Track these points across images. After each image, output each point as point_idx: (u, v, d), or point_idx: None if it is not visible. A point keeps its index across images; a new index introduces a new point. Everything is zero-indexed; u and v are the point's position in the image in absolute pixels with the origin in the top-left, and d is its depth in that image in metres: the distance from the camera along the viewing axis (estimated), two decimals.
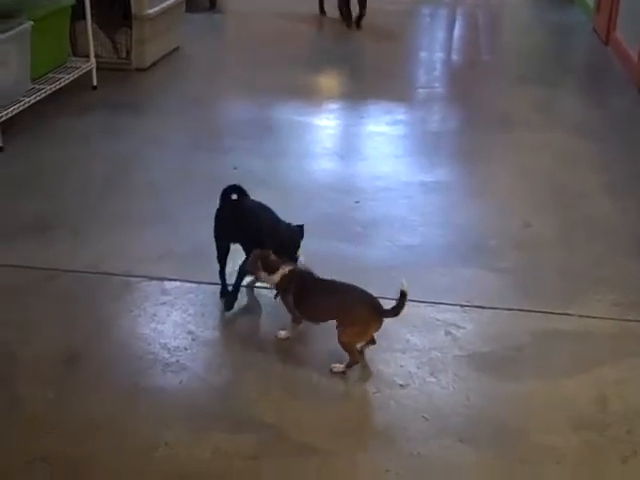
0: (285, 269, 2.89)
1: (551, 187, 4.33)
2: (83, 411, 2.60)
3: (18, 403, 2.62)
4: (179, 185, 4.22)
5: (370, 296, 2.81)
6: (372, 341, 2.88)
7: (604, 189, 4.28)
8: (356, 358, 2.81)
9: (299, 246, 3.12)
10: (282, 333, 2.96)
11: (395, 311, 2.76)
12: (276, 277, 2.90)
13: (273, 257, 2.91)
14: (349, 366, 2.81)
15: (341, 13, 6.99)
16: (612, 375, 2.82)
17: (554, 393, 2.74)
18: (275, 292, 2.96)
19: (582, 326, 3.10)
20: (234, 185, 3.19)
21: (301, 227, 3.13)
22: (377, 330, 2.81)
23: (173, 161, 4.52)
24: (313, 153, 4.72)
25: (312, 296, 2.87)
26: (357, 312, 2.79)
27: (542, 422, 2.60)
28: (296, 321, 2.95)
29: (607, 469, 2.42)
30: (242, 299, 3.19)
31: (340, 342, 2.79)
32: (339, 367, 2.81)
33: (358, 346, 2.85)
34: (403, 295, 2.74)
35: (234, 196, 3.19)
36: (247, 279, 3.19)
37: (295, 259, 3.06)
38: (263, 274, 2.92)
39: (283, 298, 2.93)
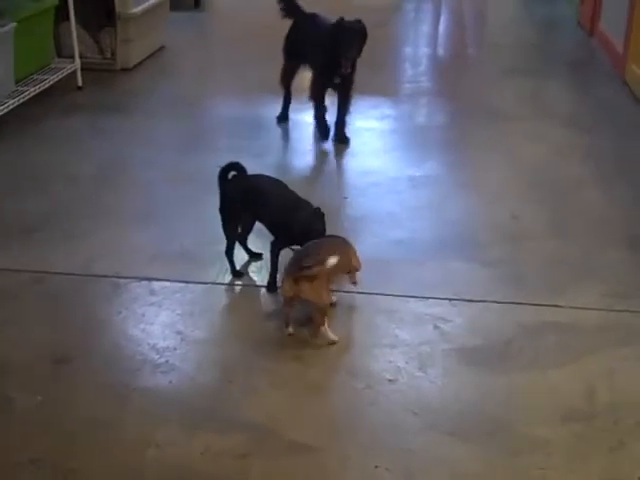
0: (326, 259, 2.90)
1: (539, 178, 4.33)
2: (73, 413, 2.59)
3: (7, 406, 2.61)
4: (167, 185, 4.22)
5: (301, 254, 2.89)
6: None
7: (593, 180, 4.29)
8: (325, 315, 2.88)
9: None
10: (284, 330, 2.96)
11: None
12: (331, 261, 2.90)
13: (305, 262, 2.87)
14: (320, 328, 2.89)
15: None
16: (600, 366, 2.83)
17: (543, 385, 2.74)
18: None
19: (571, 317, 3.10)
20: (232, 163, 3.21)
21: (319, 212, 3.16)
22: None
23: (160, 161, 4.51)
24: (301, 150, 4.72)
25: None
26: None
27: (531, 414, 2.61)
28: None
29: (595, 459, 2.43)
30: (229, 297, 3.19)
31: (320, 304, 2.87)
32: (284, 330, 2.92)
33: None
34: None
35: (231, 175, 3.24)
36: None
37: None
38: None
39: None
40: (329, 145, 4.63)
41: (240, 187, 3.22)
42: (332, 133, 4.77)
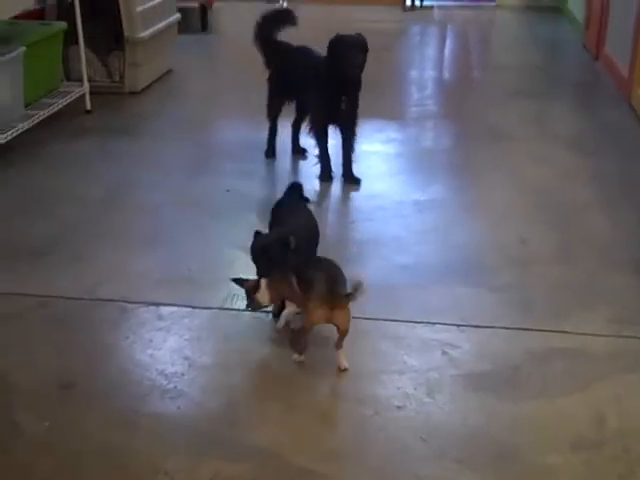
0: (263, 281, 2.95)
1: (545, 201, 4.34)
2: (80, 438, 2.59)
3: (14, 431, 2.61)
4: (174, 208, 4.23)
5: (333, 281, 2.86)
6: (339, 345, 2.92)
7: (599, 203, 4.29)
8: (307, 339, 2.91)
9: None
10: (296, 357, 2.96)
11: (352, 296, 2.81)
12: (263, 289, 2.94)
13: (249, 282, 2.98)
14: (302, 350, 2.93)
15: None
16: (608, 393, 2.82)
17: (551, 412, 2.73)
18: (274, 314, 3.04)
19: (578, 343, 3.10)
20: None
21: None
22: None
23: (168, 184, 4.53)
24: (307, 174, 4.73)
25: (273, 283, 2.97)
26: (313, 294, 2.84)
27: (540, 441, 2.60)
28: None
29: None
30: (236, 322, 3.19)
31: (304, 324, 2.91)
32: (297, 356, 2.93)
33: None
34: (356, 289, 2.79)
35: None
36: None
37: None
38: (257, 296, 2.95)
39: (290, 297, 2.96)
40: (335, 169, 4.63)
41: None
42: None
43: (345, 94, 4.45)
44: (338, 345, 2.91)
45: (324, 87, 4.43)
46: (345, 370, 2.90)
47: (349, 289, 2.82)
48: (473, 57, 7.87)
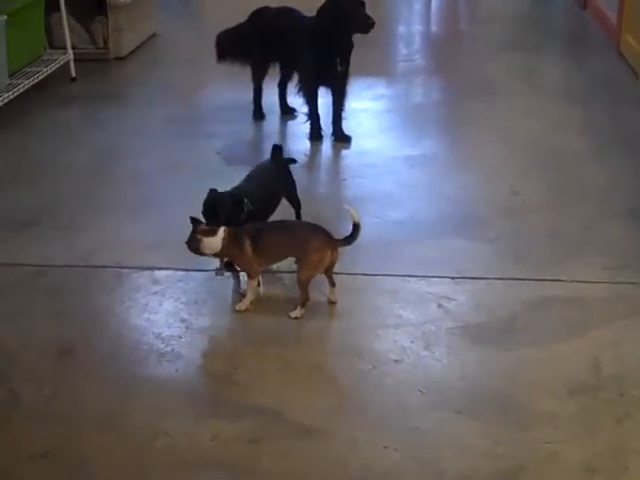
0: (223, 229, 2.95)
1: (537, 153, 4.33)
2: (80, 404, 2.60)
3: (14, 399, 2.62)
4: (164, 173, 4.21)
5: (321, 227, 2.98)
6: (332, 282, 3.00)
7: (591, 152, 4.29)
8: (307, 294, 2.95)
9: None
10: (294, 313, 2.97)
11: (348, 241, 2.94)
12: (218, 239, 2.94)
13: (201, 223, 2.99)
14: (303, 305, 2.95)
15: None
16: (604, 338, 2.84)
17: (549, 359, 2.75)
18: (217, 268, 3.07)
19: (574, 291, 3.11)
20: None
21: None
22: (333, 261, 2.95)
23: (157, 149, 4.50)
24: (297, 133, 4.70)
25: (269, 237, 2.99)
26: (312, 242, 2.92)
27: (538, 389, 2.61)
28: (253, 276, 3.01)
29: (602, 431, 2.44)
30: (231, 284, 3.19)
31: (300, 279, 2.95)
32: (296, 312, 2.95)
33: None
34: (356, 226, 2.91)
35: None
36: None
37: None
38: (205, 241, 2.94)
39: (234, 257, 3.01)
40: (325, 127, 4.60)
41: None
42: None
43: (340, 55, 4.40)
44: (332, 283, 3.02)
45: (317, 48, 4.38)
46: (335, 303, 3.03)
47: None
48: (460, 9, 7.79)
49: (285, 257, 3.08)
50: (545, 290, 3.12)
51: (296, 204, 3.48)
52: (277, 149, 3.49)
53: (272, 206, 3.33)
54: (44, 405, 2.60)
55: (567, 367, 2.70)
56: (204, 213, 3.08)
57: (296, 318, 2.95)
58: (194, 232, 2.96)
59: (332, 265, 2.98)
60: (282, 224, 3.16)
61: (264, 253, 3.00)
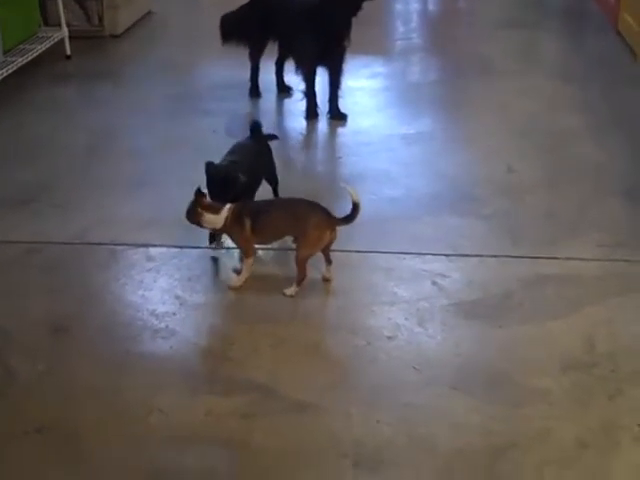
0: (229, 207, 2.96)
1: (534, 131, 4.32)
2: (74, 381, 2.60)
3: (9, 375, 2.62)
4: (160, 151, 4.19)
5: (320, 205, 2.96)
6: (329, 260, 3.00)
7: (587, 131, 4.27)
8: (304, 272, 2.95)
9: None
10: (288, 290, 2.96)
11: (347, 220, 2.92)
12: (221, 216, 2.95)
13: (209, 200, 3.00)
14: (299, 283, 2.94)
15: None
16: (599, 316, 2.84)
17: (543, 336, 2.75)
18: (211, 238, 3.09)
19: (568, 269, 3.11)
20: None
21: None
22: (331, 239, 2.95)
23: (153, 127, 4.48)
24: (293, 111, 4.68)
25: (269, 217, 2.98)
26: (311, 221, 2.91)
27: (532, 365, 2.62)
28: (250, 254, 3.01)
29: (595, 407, 2.45)
30: (225, 261, 3.19)
31: (298, 257, 2.94)
32: (291, 290, 2.95)
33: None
34: (355, 206, 2.89)
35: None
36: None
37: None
38: (207, 216, 2.96)
39: (234, 235, 3.01)
40: (321, 105, 4.58)
41: None
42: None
43: (344, 31, 4.38)
44: (329, 261, 3.02)
45: (318, 27, 4.35)
46: (330, 281, 3.03)
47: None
48: None
49: (284, 236, 3.07)
50: (540, 268, 3.12)
51: (274, 181, 3.47)
52: (256, 125, 3.46)
53: (256, 183, 3.31)
54: (38, 381, 2.61)
55: (561, 344, 2.71)
56: (213, 188, 3.06)
57: (291, 296, 2.95)
58: (197, 205, 2.96)
59: (330, 243, 2.97)
60: (281, 202, 3.14)
61: (263, 232, 2.99)
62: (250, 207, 3.04)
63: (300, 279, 2.95)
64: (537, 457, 2.27)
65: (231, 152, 3.30)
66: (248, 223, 2.95)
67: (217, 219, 2.96)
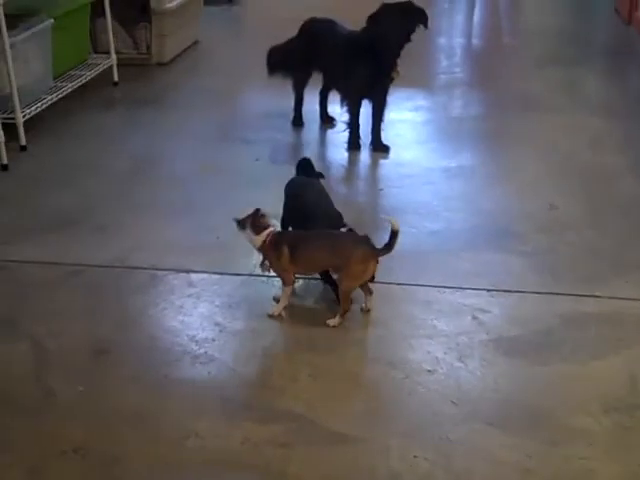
0: (270, 231, 3.00)
1: (577, 169, 4.29)
2: (114, 403, 2.62)
3: (49, 396, 2.65)
4: (203, 178, 4.24)
5: (361, 237, 2.96)
6: (369, 291, 3.00)
7: (631, 169, 4.24)
8: (348, 305, 2.95)
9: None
10: (332, 321, 2.96)
11: (387, 248, 2.91)
12: (260, 238, 2.99)
13: (264, 218, 3.03)
14: (343, 314, 2.94)
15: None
16: None
17: (584, 375, 2.72)
18: (263, 261, 3.08)
19: (610, 308, 3.07)
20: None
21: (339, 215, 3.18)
22: (374, 271, 2.94)
23: (196, 154, 4.53)
24: (336, 142, 4.71)
25: (308, 247, 2.98)
26: (355, 254, 2.90)
27: (572, 404, 2.59)
28: (288, 283, 3.02)
29: (637, 450, 2.41)
30: (266, 289, 3.20)
31: (342, 290, 2.93)
32: (335, 320, 2.94)
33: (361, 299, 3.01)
34: (394, 234, 2.89)
35: None
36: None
37: None
38: (248, 232, 3.01)
39: (271, 262, 3.03)
40: (364, 137, 4.60)
41: None
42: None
43: (389, 67, 4.42)
44: (370, 291, 3.02)
45: (367, 62, 4.39)
46: (369, 311, 3.03)
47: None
48: (503, 23, 7.77)
49: (323, 268, 3.06)
50: (581, 306, 3.09)
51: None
52: (306, 162, 3.46)
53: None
54: (78, 402, 2.63)
55: (603, 384, 2.67)
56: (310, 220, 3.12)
57: (334, 326, 2.94)
58: (248, 218, 3.01)
59: (373, 275, 2.97)
60: (323, 234, 3.09)
61: (301, 262, 3.00)
62: (289, 236, 3.06)
63: (344, 311, 2.95)
64: None
65: (296, 195, 3.29)
66: (286, 251, 2.96)
67: (256, 239, 3.00)
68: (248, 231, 3.01)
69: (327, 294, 3.11)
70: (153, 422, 2.54)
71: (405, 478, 2.31)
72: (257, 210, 3.03)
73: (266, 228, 3.01)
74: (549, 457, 2.39)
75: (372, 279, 2.99)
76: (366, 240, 2.94)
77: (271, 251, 3.00)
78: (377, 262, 2.93)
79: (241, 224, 3.03)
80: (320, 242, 3.01)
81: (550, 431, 2.48)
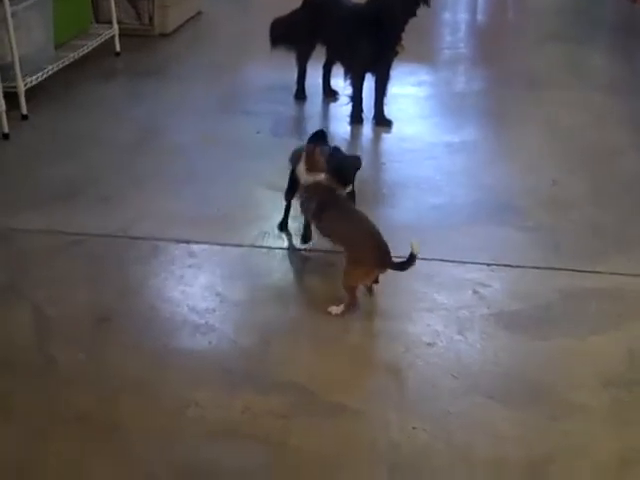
0: (318, 176, 2.94)
1: (580, 145, 4.28)
2: (114, 371, 2.63)
3: (51, 364, 2.66)
4: (205, 149, 4.22)
5: (382, 241, 2.82)
6: (376, 280, 2.93)
7: (633, 146, 4.23)
8: (354, 299, 2.87)
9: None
10: (334, 308, 2.89)
11: (402, 266, 2.78)
12: (310, 178, 2.95)
13: (320, 158, 2.95)
14: (347, 306, 2.87)
15: None
16: None
17: (583, 350, 2.73)
18: (304, 238, 3.09)
19: (611, 284, 3.08)
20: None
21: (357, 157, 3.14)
22: (378, 276, 2.90)
23: (198, 125, 4.51)
24: (339, 116, 4.69)
25: (331, 214, 2.92)
26: (366, 256, 2.82)
27: (571, 379, 2.60)
28: (308, 236, 3.06)
29: (636, 425, 2.42)
30: (268, 260, 3.20)
31: (343, 285, 2.86)
32: (337, 309, 2.87)
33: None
34: (412, 257, 2.74)
35: None
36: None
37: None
38: (301, 166, 2.97)
39: (306, 206, 3.02)
40: (366, 111, 4.59)
41: None
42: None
43: (394, 41, 4.39)
44: (372, 291, 2.98)
45: (371, 35, 4.35)
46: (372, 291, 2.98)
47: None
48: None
49: (337, 244, 2.97)
50: (582, 281, 3.09)
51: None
52: (322, 134, 3.30)
53: None
54: (79, 371, 2.64)
55: (602, 359, 2.68)
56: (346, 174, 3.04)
57: (336, 315, 2.87)
58: (308, 152, 2.97)
59: (377, 278, 2.92)
60: (356, 217, 2.92)
61: (321, 224, 2.99)
62: (324, 193, 2.95)
63: (348, 304, 2.88)
64: (575, 474, 2.25)
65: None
66: (314, 204, 2.95)
67: (306, 176, 2.97)
68: (302, 165, 2.96)
69: (336, 271, 3.09)
70: (154, 391, 2.55)
71: (404, 449, 2.32)
72: (316, 143, 2.98)
73: (320, 172, 2.94)
74: (548, 431, 2.40)
75: (376, 281, 2.94)
76: (385, 249, 2.81)
77: (306, 195, 2.98)
78: (384, 271, 2.86)
79: (294, 156, 2.98)
80: (346, 221, 2.92)
81: (549, 405, 2.49)
